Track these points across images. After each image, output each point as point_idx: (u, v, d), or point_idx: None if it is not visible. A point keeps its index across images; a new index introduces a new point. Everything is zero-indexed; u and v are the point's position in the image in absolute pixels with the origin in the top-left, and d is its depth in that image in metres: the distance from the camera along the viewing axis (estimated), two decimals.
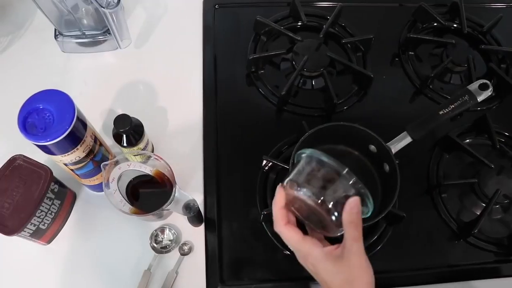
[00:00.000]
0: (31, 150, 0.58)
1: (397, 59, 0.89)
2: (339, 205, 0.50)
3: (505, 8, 0.97)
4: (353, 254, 0.48)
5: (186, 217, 0.64)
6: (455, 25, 0.91)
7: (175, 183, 0.60)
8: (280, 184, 0.54)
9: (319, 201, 0.50)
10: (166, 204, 0.59)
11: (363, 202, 0.50)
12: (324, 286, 0.51)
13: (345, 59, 0.85)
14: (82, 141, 0.57)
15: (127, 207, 0.61)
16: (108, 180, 0.60)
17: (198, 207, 0.62)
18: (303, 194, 0.51)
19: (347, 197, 0.49)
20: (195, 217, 0.64)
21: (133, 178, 0.67)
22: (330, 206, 0.50)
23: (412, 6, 0.92)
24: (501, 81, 0.85)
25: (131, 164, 0.63)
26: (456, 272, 0.72)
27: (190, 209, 0.61)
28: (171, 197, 0.59)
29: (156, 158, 0.62)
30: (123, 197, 0.63)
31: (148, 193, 0.68)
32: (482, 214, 0.71)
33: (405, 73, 0.87)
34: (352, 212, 0.49)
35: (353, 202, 0.49)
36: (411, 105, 0.85)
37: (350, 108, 0.82)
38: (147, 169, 0.65)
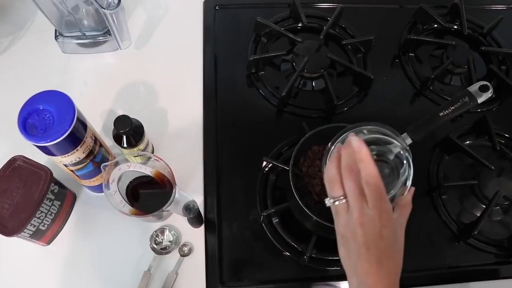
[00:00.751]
0: (31, 151, 0.58)
1: (397, 60, 0.89)
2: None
3: (505, 9, 0.97)
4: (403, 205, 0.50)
5: (186, 218, 0.64)
6: (455, 27, 0.91)
7: (175, 184, 0.60)
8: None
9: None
10: (166, 205, 0.59)
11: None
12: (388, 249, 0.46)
13: (345, 60, 0.85)
14: (82, 142, 0.57)
15: (127, 208, 0.61)
16: (108, 181, 0.60)
17: (198, 208, 0.62)
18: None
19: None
20: (195, 218, 0.64)
21: (133, 179, 0.67)
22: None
23: (412, 7, 0.92)
24: (502, 83, 0.85)
25: (131, 165, 0.63)
26: (456, 274, 0.72)
27: (190, 210, 0.61)
28: (171, 198, 0.59)
29: (156, 159, 0.61)
30: (123, 198, 0.63)
31: (148, 194, 0.68)
32: (482, 215, 0.71)
33: (405, 75, 0.87)
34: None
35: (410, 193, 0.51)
36: (412, 107, 0.85)
37: (351, 109, 0.82)
38: (147, 170, 0.65)
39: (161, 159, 0.61)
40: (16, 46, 0.85)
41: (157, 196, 0.64)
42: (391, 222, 0.47)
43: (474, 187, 0.75)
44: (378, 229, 0.45)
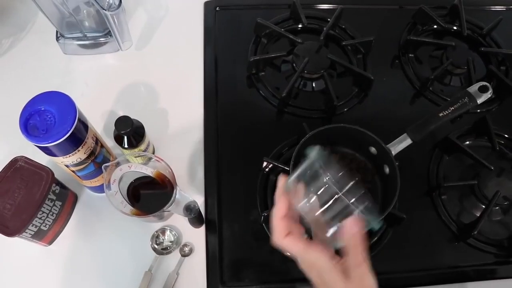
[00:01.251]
0: (33, 152, 0.58)
1: (397, 61, 0.89)
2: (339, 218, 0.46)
3: (505, 10, 0.97)
4: (358, 277, 0.46)
5: (187, 218, 0.64)
6: (455, 28, 0.92)
7: (176, 184, 0.60)
8: (279, 186, 0.50)
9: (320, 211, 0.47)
10: (167, 205, 0.59)
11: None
12: None
13: (345, 61, 0.85)
14: (84, 142, 0.57)
15: (128, 208, 0.61)
16: (109, 182, 0.60)
17: (199, 208, 0.62)
18: (304, 204, 0.48)
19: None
20: (195, 218, 0.64)
21: (134, 180, 0.67)
22: (330, 219, 0.46)
23: (412, 8, 0.92)
24: (501, 83, 0.85)
25: (132, 165, 0.63)
26: (455, 274, 0.72)
27: (190, 211, 0.61)
28: (172, 198, 0.60)
29: (157, 160, 0.62)
30: (124, 198, 0.63)
31: (149, 195, 0.68)
32: (482, 215, 0.71)
33: (405, 75, 0.87)
34: (350, 234, 0.45)
35: (349, 224, 0.45)
36: (411, 107, 0.85)
37: (351, 110, 0.83)
38: (148, 171, 0.65)
39: (162, 159, 0.61)
40: (18, 48, 0.85)
41: (158, 196, 0.64)
42: (311, 270, 0.48)
43: (473, 187, 0.75)
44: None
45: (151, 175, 0.65)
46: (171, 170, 0.62)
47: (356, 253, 0.46)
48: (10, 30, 0.87)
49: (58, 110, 0.54)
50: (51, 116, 0.54)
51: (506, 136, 0.82)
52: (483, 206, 0.74)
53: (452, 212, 0.75)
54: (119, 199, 0.62)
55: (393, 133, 0.69)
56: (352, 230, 0.45)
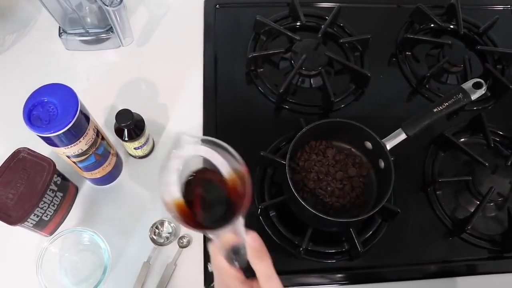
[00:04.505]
0: (36, 145, 0.59)
1: (394, 59, 0.90)
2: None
3: (501, 10, 0.98)
4: None
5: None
6: (451, 26, 0.93)
7: (245, 207, 0.42)
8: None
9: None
10: (222, 228, 0.42)
11: None
12: None
13: (343, 58, 0.87)
14: (85, 133, 0.58)
15: (174, 196, 0.43)
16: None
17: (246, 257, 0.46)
18: None
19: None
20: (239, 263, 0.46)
21: (196, 170, 0.47)
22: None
23: (409, 7, 0.93)
24: (497, 82, 0.86)
25: (214, 154, 0.44)
26: (449, 268, 0.73)
27: (237, 255, 0.45)
28: (232, 220, 0.42)
29: (240, 164, 0.43)
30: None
31: (205, 197, 0.48)
32: (475, 211, 0.72)
33: (402, 73, 0.88)
34: (253, 249, 0.44)
35: (249, 240, 0.43)
36: (408, 104, 0.87)
37: (348, 106, 0.84)
38: (225, 169, 0.45)
39: (245, 169, 0.44)
40: (21, 43, 0.87)
41: (213, 205, 0.47)
42: None
43: (468, 183, 0.76)
44: None
45: (226, 175, 0.45)
46: (250, 185, 0.43)
47: (264, 266, 0.44)
48: (14, 26, 0.88)
49: (60, 101, 0.55)
50: (53, 107, 0.55)
51: (501, 133, 0.82)
52: (477, 202, 0.75)
53: (446, 208, 0.76)
54: (171, 180, 0.43)
55: (389, 129, 0.70)
56: (254, 244, 0.44)
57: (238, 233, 0.43)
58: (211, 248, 0.46)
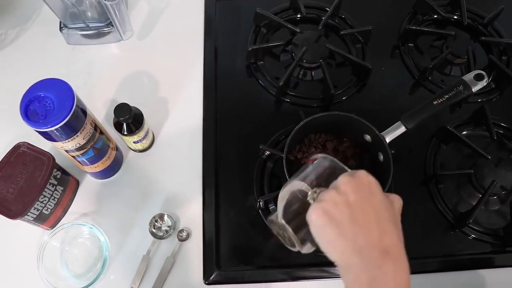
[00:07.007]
0: (37, 139, 0.60)
1: (396, 51, 0.89)
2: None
3: None
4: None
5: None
6: (455, 17, 0.91)
7: None
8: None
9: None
10: None
11: None
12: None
13: (344, 50, 0.86)
14: (82, 128, 0.59)
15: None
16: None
17: None
18: None
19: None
20: None
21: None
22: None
23: None
24: (502, 73, 0.85)
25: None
26: (451, 262, 0.72)
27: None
28: None
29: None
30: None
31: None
32: (477, 204, 0.72)
33: (404, 65, 0.87)
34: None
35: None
36: (410, 97, 0.85)
37: (349, 99, 0.83)
38: None
39: None
40: (23, 38, 0.87)
41: None
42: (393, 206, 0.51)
43: (470, 176, 0.75)
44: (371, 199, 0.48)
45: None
46: None
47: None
48: (16, 21, 0.89)
49: (57, 96, 0.56)
50: (50, 102, 0.55)
51: (505, 126, 0.81)
52: (480, 195, 0.74)
53: (448, 201, 0.75)
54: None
55: (391, 122, 0.69)
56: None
57: None
58: None
